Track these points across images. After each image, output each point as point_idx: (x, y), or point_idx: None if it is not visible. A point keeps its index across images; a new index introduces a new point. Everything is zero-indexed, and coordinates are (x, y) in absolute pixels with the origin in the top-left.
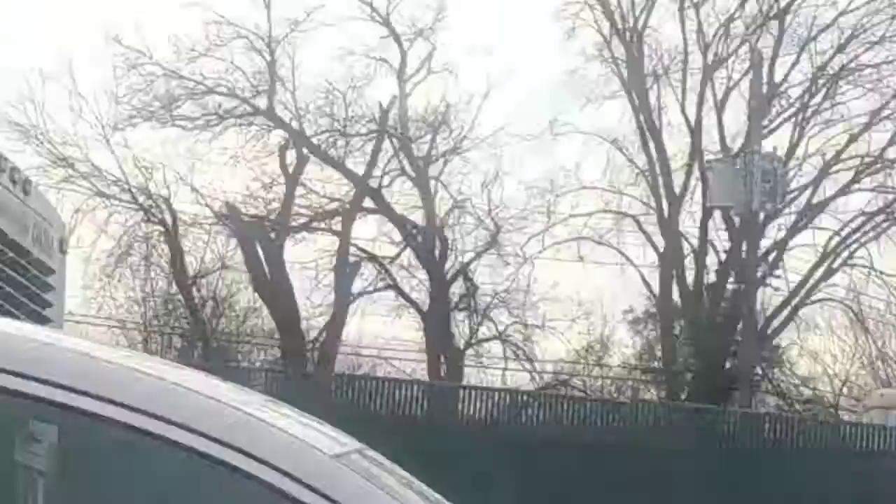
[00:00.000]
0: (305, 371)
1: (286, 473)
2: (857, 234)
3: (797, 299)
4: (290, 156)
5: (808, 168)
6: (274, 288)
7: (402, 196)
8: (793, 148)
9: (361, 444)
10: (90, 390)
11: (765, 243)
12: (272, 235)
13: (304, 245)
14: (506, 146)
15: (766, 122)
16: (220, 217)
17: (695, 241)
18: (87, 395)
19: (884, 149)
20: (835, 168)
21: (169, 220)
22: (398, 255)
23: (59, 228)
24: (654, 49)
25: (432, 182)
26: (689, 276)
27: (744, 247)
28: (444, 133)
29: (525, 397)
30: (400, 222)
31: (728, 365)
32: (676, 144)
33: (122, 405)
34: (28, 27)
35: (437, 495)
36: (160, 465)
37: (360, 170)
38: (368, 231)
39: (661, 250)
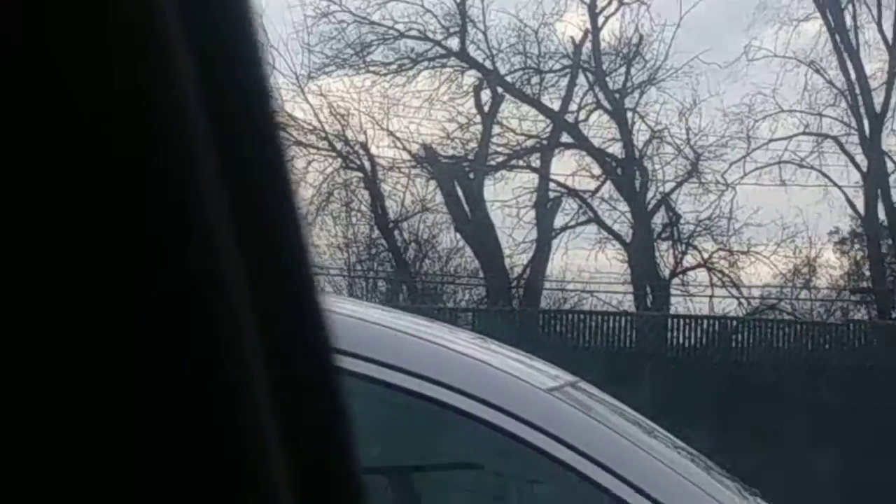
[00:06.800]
0: (511, 308)
1: (502, 409)
2: None
3: None
4: (485, 95)
5: None
6: (475, 227)
7: (600, 129)
8: None
9: (575, 378)
10: None
11: None
12: (471, 175)
13: (503, 183)
14: (701, 74)
15: None
16: (419, 160)
17: None
18: None
19: None
20: None
21: (367, 165)
22: (598, 188)
23: None
24: None
25: (629, 114)
26: (895, 194)
27: None
28: (639, 64)
29: (734, 323)
30: (598, 155)
31: None
32: (875, 64)
33: (345, 353)
34: None
35: (652, 423)
36: (381, 409)
37: (555, 105)
38: (567, 166)
39: (865, 170)
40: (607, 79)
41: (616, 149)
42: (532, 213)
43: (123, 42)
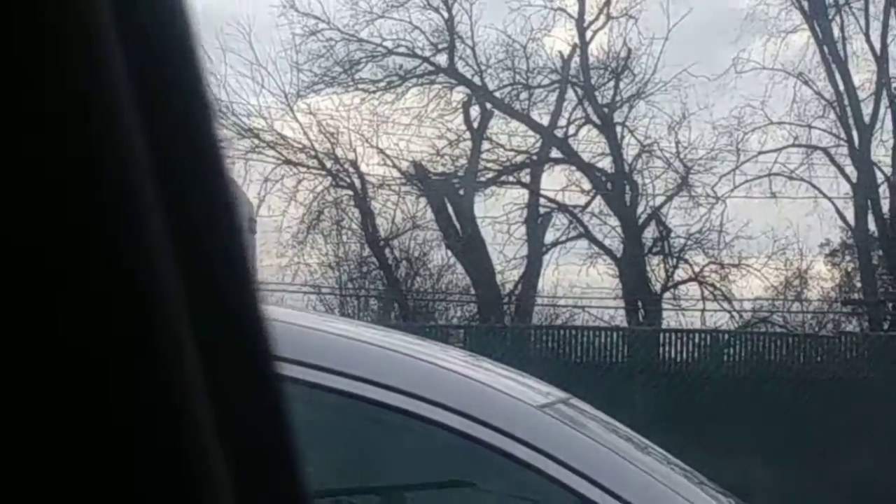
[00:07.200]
0: (503, 324)
1: (494, 427)
2: None
3: None
4: (474, 111)
5: None
6: (466, 244)
7: (589, 144)
8: None
9: (566, 394)
10: (287, 356)
11: None
12: (461, 192)
13: (493, 199)
14: (690, 87)
15: None
16: (409, 177)
17: (888, 170)
18: (285, 360)
19: None
20: None
21: (357, 183)
22: (588, 203)
23: (246, 207)
24: None
25: (618, 128)
26: (885, 206)
27: None
28: (627, 78)
29: (726, 336)
30: (588, 170)
31: None
32: (863, 74)
33: (328, 370)
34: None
35: (644, 439)
36: (373, 428)
37: (544, 121)
38: (557, 181)
39: (854, 181)
40: (596, 93)
41: (606, 163)
42: (523, 229)
43: (57, 43)
